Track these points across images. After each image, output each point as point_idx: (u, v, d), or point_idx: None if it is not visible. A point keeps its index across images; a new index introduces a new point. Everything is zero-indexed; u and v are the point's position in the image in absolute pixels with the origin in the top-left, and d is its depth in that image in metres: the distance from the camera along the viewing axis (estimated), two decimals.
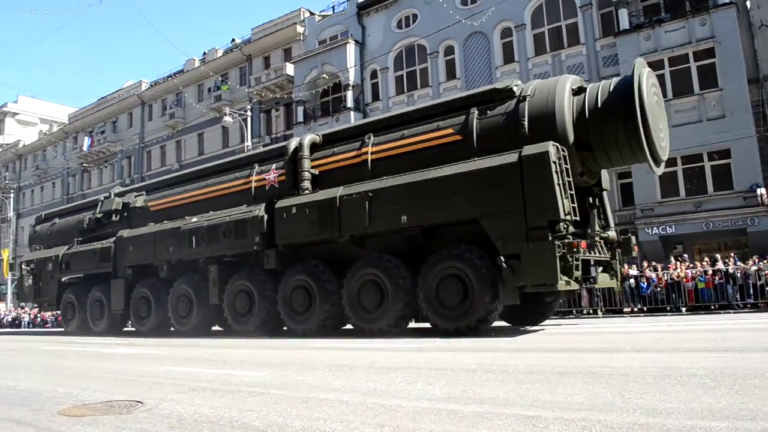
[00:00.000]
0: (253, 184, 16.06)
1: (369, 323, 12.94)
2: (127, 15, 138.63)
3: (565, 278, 10.56)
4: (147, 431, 4.11)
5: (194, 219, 16.63)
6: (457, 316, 11.65)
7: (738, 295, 17.58)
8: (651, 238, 22.66)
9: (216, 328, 17.58)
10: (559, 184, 10.63)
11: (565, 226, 10.64)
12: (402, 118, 14.39)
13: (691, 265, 18.76)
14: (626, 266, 19.30)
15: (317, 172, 14.69)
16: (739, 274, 17.62)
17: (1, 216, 56.09)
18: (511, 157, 11.16)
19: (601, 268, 12.95)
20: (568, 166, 11.09)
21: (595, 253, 12.50)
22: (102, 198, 21.74)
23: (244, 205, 15.63)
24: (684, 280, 18.19)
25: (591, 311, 19.39)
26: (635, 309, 18.79)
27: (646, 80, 11.71)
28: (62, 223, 23.46)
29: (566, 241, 10.51)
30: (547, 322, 15.03)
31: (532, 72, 27.71)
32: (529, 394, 4.69)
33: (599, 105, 11.81)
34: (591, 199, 13.25)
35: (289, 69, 36.25)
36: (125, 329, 20.49)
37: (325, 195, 13.80)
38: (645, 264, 19.71)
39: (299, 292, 14.18)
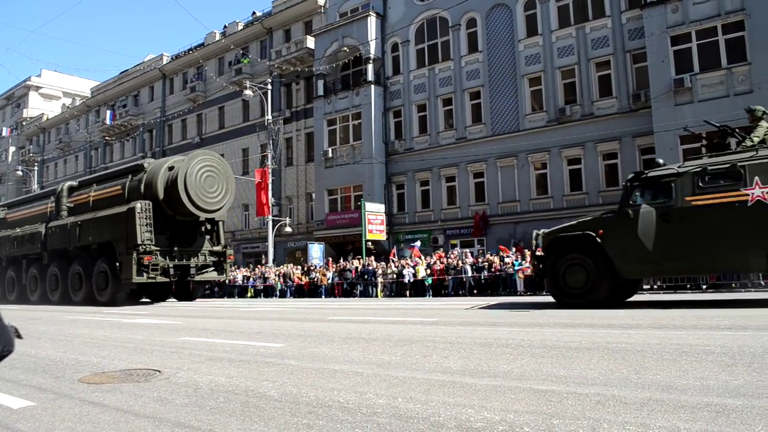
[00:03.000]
0: (48, 209, 24.69)
1: (76, 296, 22.00)
2: None
3: (146, 275, 19.70)
4: (164, 399, 4.17)
5: (18, 230, 25.76)
6: (104, 294, 20.85)
7: (761, 273, 17.34)
8: None
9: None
10: (140, 225, 19.41)
11: (144, 247, 19.44)
12: (109, 174, 24.07)
13: None
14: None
15: (73, 205, 23.34)
16: None
17: (25, 189, 56.88)
18: (124, 208, 20.15)
19: (212, 268, 22.23)
20: (151, 214, 19.74)
21: (196, 260, 21.56)
22: None
23: (39, 223, 24.62)
24: None
25: None
26: (655, 286, 18.65)
27: (191, 168, 20.23)
28: None
29: (140, 255, 19.39)
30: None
31: (555, 45, 27.28)
32: (544, 369, 4.67)
33: (174, 178, 20.04)
34: (208, 226, 22.06)
35: (310, 42, 36.07)
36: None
37: (63, 222, 22.86)
38: None
39: (53, 277, 23.43)
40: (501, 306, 13.38)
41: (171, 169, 20.39)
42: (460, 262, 22.93)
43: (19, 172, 57.65)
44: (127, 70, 53.81)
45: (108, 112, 52.13)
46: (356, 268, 25.99)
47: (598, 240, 11.07)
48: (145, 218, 19.59)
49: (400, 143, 32.44)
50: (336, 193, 33.77)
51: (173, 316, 14.17)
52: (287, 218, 35.03)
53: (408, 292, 23.41)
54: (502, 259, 22.09)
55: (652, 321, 8.18)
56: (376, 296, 24.13)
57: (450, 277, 22.67)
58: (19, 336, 1.31)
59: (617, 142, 25.37)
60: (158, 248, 20.06)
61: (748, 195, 9.78)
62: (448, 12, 30.50)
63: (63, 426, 3.56)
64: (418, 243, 28.61)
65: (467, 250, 26.09)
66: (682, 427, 2.91)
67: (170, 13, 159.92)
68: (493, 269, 21.91)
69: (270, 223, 32.37)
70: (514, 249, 23.50)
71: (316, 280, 26.91)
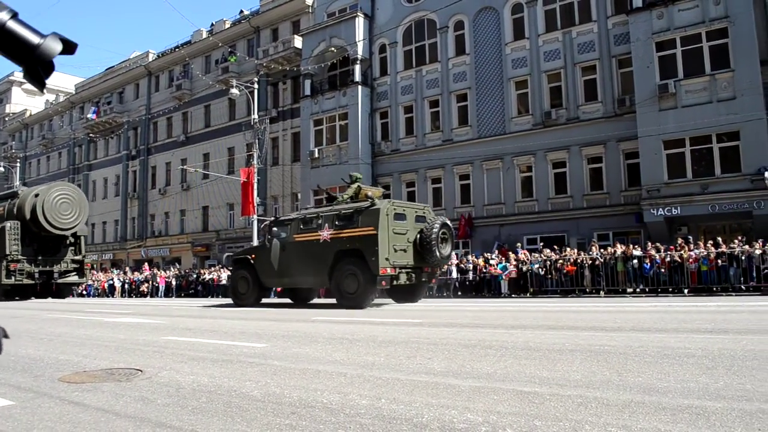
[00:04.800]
0: None
1: None
2: None
3: (14, 278, 25.51)
4: (145, 398, 4.14)
5: None
6: None
7: (741, 278, 17.56)
8: (656, 219, 22.56)
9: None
10: (9, 239, 25.11)
11: (11, 257, 25.20)
12: None
13: (695, 247, 18.69)
14: (631, 246, 19.39)
15: None
16: (743, 257, 17.58)
17: (7, 185, 56.18)
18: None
19: (74, 273, 28.42)
20: (19, 231, 25.64)
21: (59, 267, 27.56)
22: None
23: None
24: (687, 261, 18.17)
25: (593, 291, 19.44)
26: (637, 290, 18.80)
27: (49, 196, 26.43)
28: None
29: (8, 263, 25.20)
30: (546, 300, 15.38)
31: (542, 49, 27.41)
32: (527, 371, 4.70)
33: (35, 204, 25.88)
34: (72, 240, 27.88)
35: (297, 42, 35.98)
36: None
37: None
38: (649, 245, 19.67)
39: None
40: (230, 305, 17.83)
41: (37, 196, 26.34)
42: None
43: (1, 168, 56.94)
44: (113, 66, 53.29)
45: (92, 109, 51.65)
46: None
47: (252, 261, 16.74)
48: (14, 234, 25.56)
49: (386, 144, 32.43)
50: (322, 193, 33.65)
51: (156, 315, 14.10)
52: (272, 218, 34.86)
53: None
54: (486, 261, 22.17)
55: (634, 324, 8.26)
56: None
57: (435, 279, 22.67)
58: (6, 336, 1.32)
59: (602, 146, 25.54)
60: (24, 257, 25.96)
61: (321, 235, 15.02)
62: (436, 14, 30.54)
63: (42, 425, 3.52)
64: None
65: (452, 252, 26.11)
66: (662, 429, 2.94)
67: (157, 10, 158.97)
68: (477, 271, 21.98)
69: (255, 223, 32.15)
70: (497, 252, 23.58)
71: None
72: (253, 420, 3.45)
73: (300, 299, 18.10)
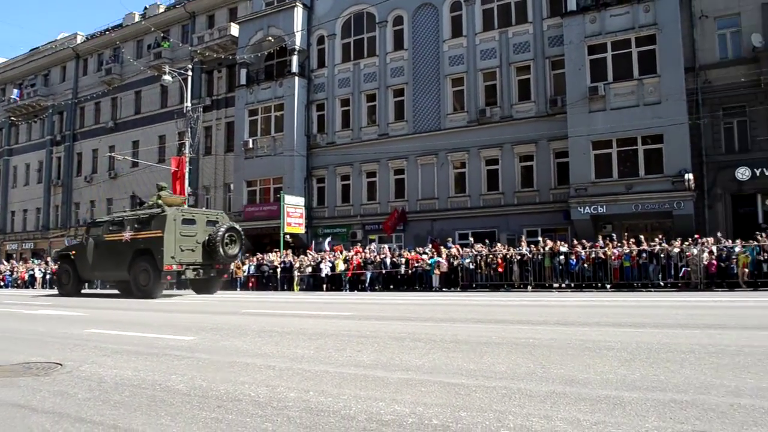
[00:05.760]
0: None
1: None
2: None
3: None
4: (65, 393, 3.99)
5: None
6: None
7: (660, 275, 18.37)
8: (582, 216, 23.30)
9: None
10: None
11: None
12: None
13: (618, 244, 19.40)
14: (558, 242, 20.03)
15: None
16: (662, 255, 18.39)
17: None
18: None
19: None
20: None
21: None
22: None
23: None
24: (611, 258, 18.85)
25: (521, 285, 19.93)
26: (563, 285, 19.38)
27: None
28: None
29: None
30: (476, 294, 15.65)
31: (479, 48, 27.82)
32: (454, 363, 4.77)
33: None
34: None
35: (234, 29, 35.31)
36: None
37: None
38: (575, 242, 20.30)
39: None
40: (54, 295, 20.50)
41: None
42: (378, 256, 23.07)
43: None
44: (38, 47, 50.97)
45: (15, 91, 49.24)
46: (272, 261, 25.71)
47: (72, 257, 19.40)
48: None
49: (322, 137, 32.26)
50: (255, 184, 33.24)
51: (78, 307, 13.61)
52: (203, 208, 34.19)
53: (325, 286, 23.35)
54: (420, 255, 22.40)
55: (559, 318, 8.51)
56: (293, 290, 23.94)
57: (368, 272, 22.77)
58: None
59: (533, 145, 26.17)
60: None
61: (124, 236, 17.60)
62: (376, 8, 30.53)
63: None
64: (328, 240, 28.80)
65: (385, 245, 26.30)
66: (581, 418, 3.04)
67: None
68: (409, 265, 22.18)
69: None
70: (430, 245, 23.86)
71: (231, 272, 26.39)
72: (178, 414, 3.37)
73: (125, 291, 19.68)
